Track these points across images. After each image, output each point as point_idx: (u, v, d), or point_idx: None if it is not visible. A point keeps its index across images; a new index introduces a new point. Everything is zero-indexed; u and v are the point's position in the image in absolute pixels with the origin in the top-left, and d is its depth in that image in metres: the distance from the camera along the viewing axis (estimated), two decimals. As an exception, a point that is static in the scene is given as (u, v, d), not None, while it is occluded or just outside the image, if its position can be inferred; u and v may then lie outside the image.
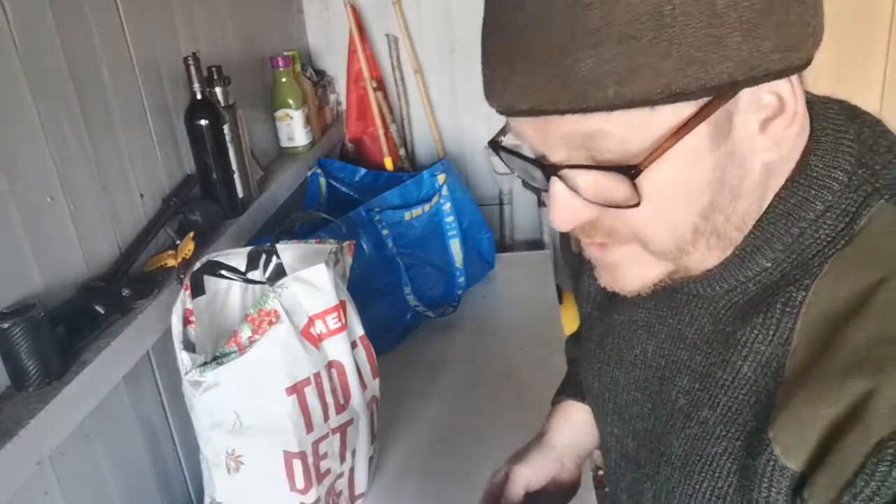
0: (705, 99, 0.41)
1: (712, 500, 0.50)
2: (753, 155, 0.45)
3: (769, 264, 0.49)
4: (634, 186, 0.43)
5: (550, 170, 0.46)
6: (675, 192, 0.45)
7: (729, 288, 0.51)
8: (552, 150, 0.46)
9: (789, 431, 0.44)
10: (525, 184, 2.02)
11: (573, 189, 0.46)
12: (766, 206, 0.49)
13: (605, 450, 0.68)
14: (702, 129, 0.42)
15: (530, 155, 0.49)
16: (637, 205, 0.44)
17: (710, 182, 0.45)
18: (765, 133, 0.44)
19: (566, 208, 0.47)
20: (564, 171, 0.46)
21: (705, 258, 0.49)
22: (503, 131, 0.52)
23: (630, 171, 0.42)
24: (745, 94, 0.43)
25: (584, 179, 0.46)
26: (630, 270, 0.50)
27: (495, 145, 0.52)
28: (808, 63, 0.44)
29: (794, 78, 0.44)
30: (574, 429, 0.81)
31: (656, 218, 0.46)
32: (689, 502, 0.52)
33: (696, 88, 0.40)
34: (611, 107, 0.41)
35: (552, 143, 0.46)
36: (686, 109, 0.42)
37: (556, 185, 0.46)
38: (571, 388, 0.84)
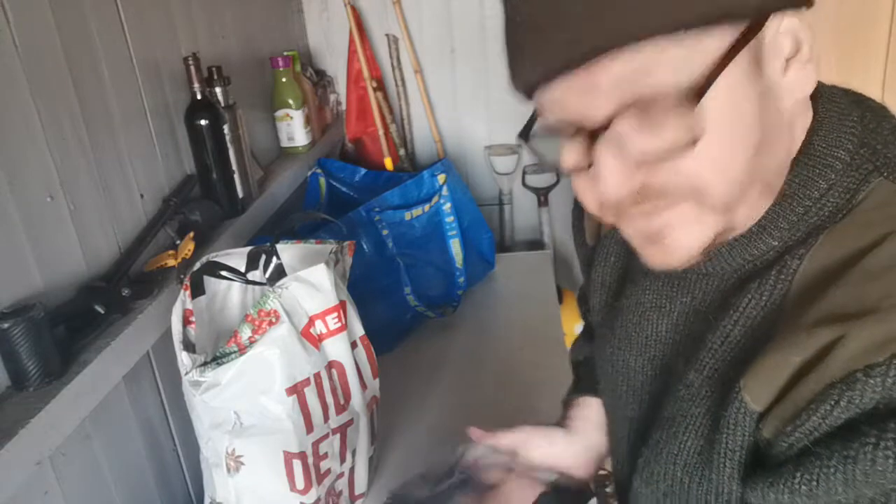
0: (743, 25, 0.43)
1: (694, 457, 0.52)
2: (783, 95, 0.47)
3: (776, 242, 0.51)
4: (695, 117, 0.43)
5: (598, 132, 0.45)
6: (730, 124, 0.45)
7: (737, 266, 0.53)
8: (598, 108, 0.45)
9: (758, 379, 0.46)
10: (525, 184, 2.02)
11: (622, 150, 0.45)
12: (795, 151, 0.50)
13: (616, 434, 0.69)
14: (742, 60, 0.44)
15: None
16: (696, 141, 0.43)
17: (758, 117, 0.45)
18: (787, 73, 0.47)
19: (615, 173, 0.46)
20: (614, 131, 0.45)
21: (752, 211, 0.50)
22: (531, 122, 0.51)
23: (692, 94, 0.42)
24: (769, 33, 0.45)
25: (636, 133, 0.45)
26: (681, 234, 0.49)
27: (526, 134, 0.52)
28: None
29: (804, 21, 0.46)
30: (598, 424, 0.80)
31: (714, 157, 0.45)
32: (675, 462, 0.53)
33: (738, 10, 0.43)
34: (665, 29, 0.42)
35: (599, 98, 0.45)
36: (729, 35, 0.43)
37: (604, 149, 0.46)
38: (584, 387, 0.83)
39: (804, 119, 0.51)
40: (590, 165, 0.47)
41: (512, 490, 0.70)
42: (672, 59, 0.42)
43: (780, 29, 0.45)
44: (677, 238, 0.49)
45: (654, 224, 0.49)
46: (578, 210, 0.77)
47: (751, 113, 0.45)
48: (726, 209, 0.48)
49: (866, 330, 0.42)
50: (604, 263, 0.70)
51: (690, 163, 0.45)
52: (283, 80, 1.52)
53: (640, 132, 0.45)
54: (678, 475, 0.53)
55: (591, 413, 0.80)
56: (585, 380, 0.84)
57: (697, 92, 0.42)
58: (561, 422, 0.80)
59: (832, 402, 0.41)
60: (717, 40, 0.43)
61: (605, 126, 0.45)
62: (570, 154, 0.49)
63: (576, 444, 0.77)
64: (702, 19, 0.42)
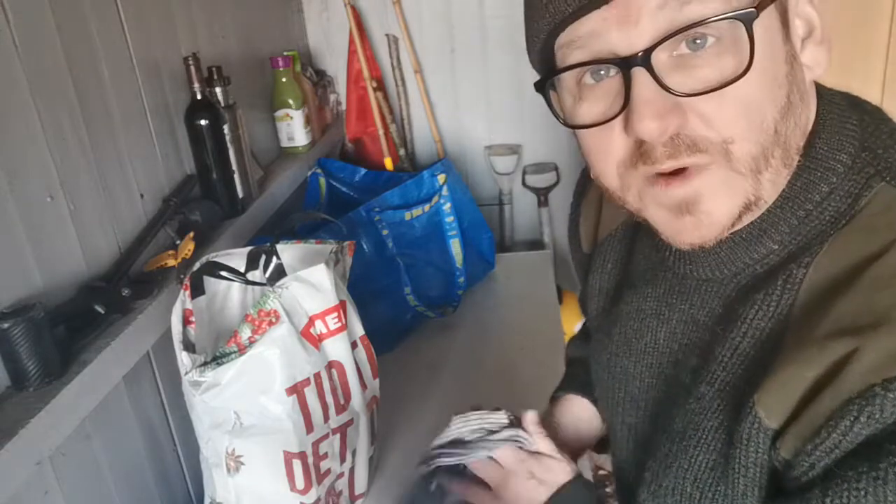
0: None
1: (706, 472, 0.51)
2: (802, 68, 0.48)
3: (776, 246, 0.50)
4: (751, 37, 0.42)
5: (639, 59, 0.44)
6: (768, 65, 0.44)
7: (737, 271, 0.52)
8: (639, 35, 0.44)
9: (772, 394, 0.45)
10: (525, 184, 2.02)
11: (659, 86, 0.44)
12: (809, 129, 0.50)
13: (616, 440, 0.69)
14: (774, 16, 0.45)
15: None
16: (744, 70, 0.43)
17: (786, 75, 0.46)
18: (804, 52, 0.48)
19: (653, 108, 0.44)
20: (654, 60, 0.44)
21: (775, 179, 0.49)
22: (548, 74, 0.50)
23: (749, 14, 0.42)
24: (790, 7, 0.46)
25: (676, 64, 0.44)
26: (715, 199, 0.48)
27: (548, 76, 0.50)
28: None
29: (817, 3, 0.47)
30: (575, 418, 0.81)
31: (748, 101, 0.44)
32: (685, 476, 0.53)
33: None
34: None
35: (640, 25, 0.44)
36: None
37: (642, 79, 0.44)
38: (571, 385, 0.84)
39: (806, 122, 0.50)
40: (619, 111, 0.46)
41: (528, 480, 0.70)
42: None
43: (797, 11, 0.47)
44: (710, 204, 0.48)
45: (686, 190, 0.48)
46: (574, 217, 0.78)
47: (782, 67, 0.46)
48: (755, 170, 0.47)
49: (881, 342, 0.41)
50: (601, 270, 0.70)
51: (725, 104, 0.44)
52: (283, 80, 1.52)
53: (679, 63, 0.44)
54: (688, 490, 0.52)
55: (572, 409, 0.81)
56: (574, 377, 0.85)
57: (752, 14, 0.42)
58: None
59: (852, 418, 0.40)
60: None
61: (645, 56, 0.44)
62: (597, 102, 0.48)
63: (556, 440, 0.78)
64: None
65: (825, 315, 0.44)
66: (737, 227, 0.50)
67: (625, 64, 0.44)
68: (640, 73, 0.44)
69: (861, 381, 0.40)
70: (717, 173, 0.47)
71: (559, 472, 0.69)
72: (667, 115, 0.44)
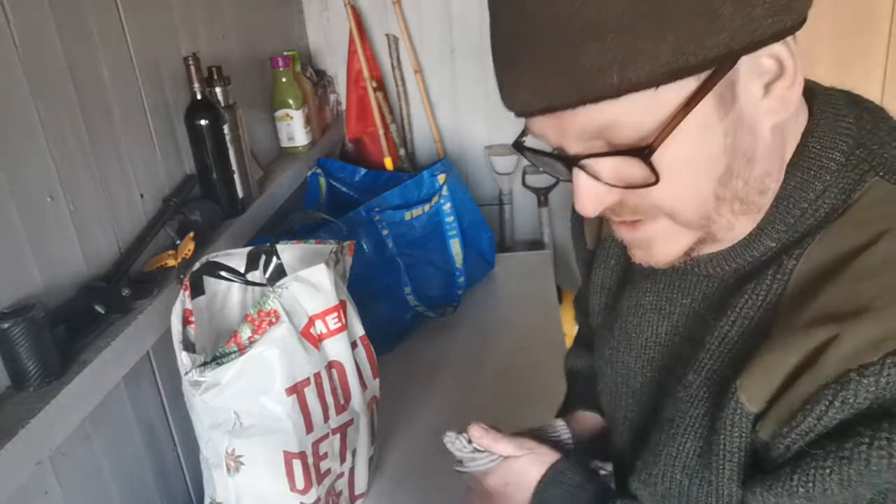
0: (707, 72, 0.43)
1: (694, 459, 0.52)
2: (761, 120, 0.47)
3: (773, 244, 0.51)
4: (650, 166, 0.44)
5: (571, 161, 0.48)
6: (691, 164, 0.46)
7: (737, 267, 0.54)
8: (570, 144, 0.48)
9: (754, 380, 0.46)
10: (525, 184, 2.02)
11: (595, 176, 0.48)
12: (787, 158, 0.50)
13: (616, 435, 0.69)
14: (708, 101, 0.44)
15: (551, 150, 0.52)
16: (655, 183, 0.45)
17: (724, 150, 0.46)
18: (769, 96, 0.46)
19: (589, 195, 0.49)
20: (584, 161, 0.47)
21: (732, 224, 0.50)
22: (524, 133, 0.54)
23: (644, 151, 0.44)
24: (745, 62, 0.44)
25: (604, 166, 0.48)
26: (663, 244, 0.52)
27: (519, 146, 0.54)
28: (801, 22, 0.45)
29: (790, 39, 0.45)
30: (594, 436, 0.80)
31: (677, 192, 0.47)
32: (674, 464, 0.54)
33: (695, 64, 0.42)
34: (617, 93, 0.42)
35: (569, 137, 0.47)
36: (690, 84, 0.43)
37: (579, 174, 0.48)
38: (578, 401, 0.83)
39: (798, 124, 0.51)
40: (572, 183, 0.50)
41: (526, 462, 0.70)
42: (630, 114, 0.44)
43: (761, 54, 0.44)
44: (658, 249, 0.52)
45: (639, 235, 0.52)
46: (578, 215, 0.78)
47: (716, 148, 0.46)
48: (701, 225, 0.50)
49: (860, 329, 0.42)
50: (604, 266, 0.70)
51: (656, 195, 0.47)
52: (283, 80, 1.52)
53: (606, 167, 0.47)
54: (677, 477, 0.53)
55: (587, 427, 0.80)
56: (578, 391, 0.84)
57: (650, 146, 0.44)
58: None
59: (826, 403, 0.41)
60: (675, 91, 0.43)
61: (577, 159, 0.47)
62: (557, 168, 0.52)
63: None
64: (660, 80, 0.42)
65: (811, 303, 0.45)
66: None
67: (564, 161, 0.49)
68: (577, 169, 0.48)
69: (838, 367, 0.42)
70: (662, 225, 0.50)
71: (530, 466, 0.69)
72: (605, 196, 0.49)
